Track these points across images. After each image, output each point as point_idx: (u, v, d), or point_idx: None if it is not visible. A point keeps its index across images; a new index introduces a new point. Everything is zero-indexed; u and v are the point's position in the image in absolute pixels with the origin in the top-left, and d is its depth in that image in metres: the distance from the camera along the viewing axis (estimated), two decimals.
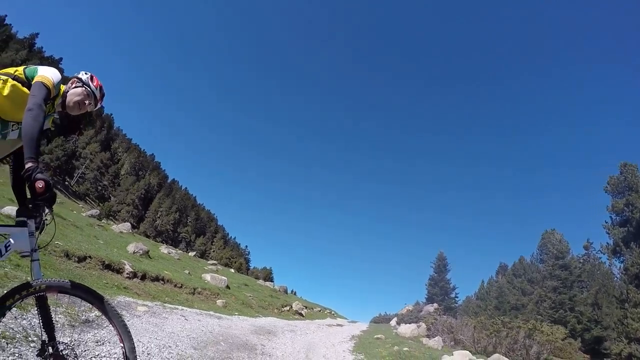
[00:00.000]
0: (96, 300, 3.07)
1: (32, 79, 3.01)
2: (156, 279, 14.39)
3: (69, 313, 6.09)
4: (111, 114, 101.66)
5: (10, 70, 3.09)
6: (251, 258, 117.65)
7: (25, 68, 3.10)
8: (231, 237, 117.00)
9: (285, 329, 15.14)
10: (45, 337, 2.82)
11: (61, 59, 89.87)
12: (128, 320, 7.03)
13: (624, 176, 32.58)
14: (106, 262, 12.69)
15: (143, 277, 13.71)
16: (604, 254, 35.05)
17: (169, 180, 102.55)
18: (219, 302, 16.41)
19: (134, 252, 18.39)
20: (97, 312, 6.80)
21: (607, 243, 33.21)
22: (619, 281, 31.66)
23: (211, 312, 13.01)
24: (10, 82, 2.95)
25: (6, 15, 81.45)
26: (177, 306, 11.14)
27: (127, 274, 13.04)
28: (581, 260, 43.13)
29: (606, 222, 33.52)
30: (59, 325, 5.39)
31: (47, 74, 3.07)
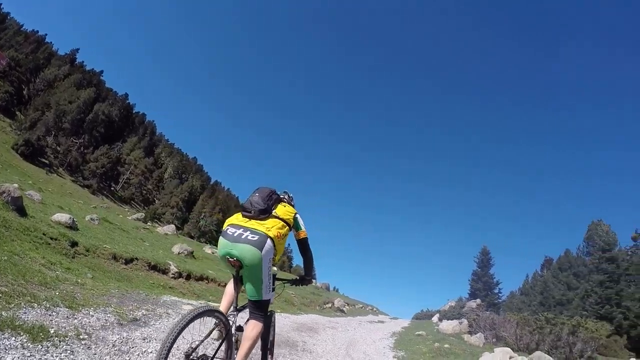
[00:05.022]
0: None
1: None
2: (200, 278, 14.79)
3: (117, 312, 6.38)
4: (153, 121, 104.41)
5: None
6: (294, 256, 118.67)
7: None
8: None
9: (327, 325, 15.32)
10: None
11: (102, 71, 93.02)
12: (173, 319, 7.33)
13: None
14: (152, 263, 13.15)
15: (188, 277, 14.14)
16: None
17: (211, 182, 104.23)
18: None
19: (178, 253, 18.88)
20: (143, 311, 7.15)
21: None
22: None
23: None
24: None
25: (46, 34, 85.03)
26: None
27: (173, 274, 13.47)
28: (629, 253, 41.36)
29: None
30: (108, 324, 5.71)
31: None
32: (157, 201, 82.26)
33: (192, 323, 3.13)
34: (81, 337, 4.76)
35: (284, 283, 4.59)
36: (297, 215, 4.25)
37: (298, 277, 4.64)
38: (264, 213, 3.82)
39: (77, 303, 6.07)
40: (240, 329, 3.80)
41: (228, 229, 3.73)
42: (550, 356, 14.83)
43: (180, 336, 3.00)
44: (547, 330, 19.67)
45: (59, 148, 66.67)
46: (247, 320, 3.79)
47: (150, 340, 5.63)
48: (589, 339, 19.73)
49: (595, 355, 20.12)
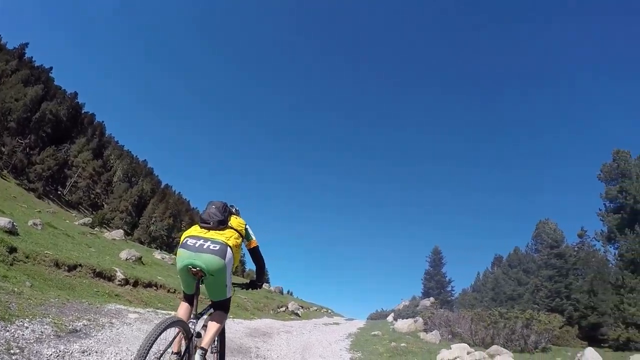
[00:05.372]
0: None
1: None
2: (149, 285, 14.28)
3: (55, 323, 5.97)
4: (102, 122, 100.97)
5: None
6: (246, 260, 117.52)
7: None
8: None
9: (281, 329, 15.05)
10: None
11: (51, 68, 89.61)
12: (117, 329, 6.94)
13: (617, 163, 32.59)
14: (97, 270, 12.58)
15: (135, 284, 13.60)
16: (598, 241, 34.93)
17: (162, 186, 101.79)
18: None
19: (126, 259, 18.24)
20: (85, 322, 6.72)
21: (602, 230, 33.21)
22: (614, 268, 31.63)
23: None
24: None
25: None
26: (170, 312, 10.97)
27: (119, 281, 12.92)
28: (576, 249, 42.97)
29: (600, 210, 33.58)
30: (43, 336, 5.31)
31: None
32: (105, 206, 79.72)
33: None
34: (12, 351, 4.43)
35: (234, 287, 4.56)
36: (247, 226, 4.52)
37: (249, 282, 4.85)
38: (222, 224, 4.04)
39: (11, 314, 5.68)
40: (199, 335, 3.90)
41: (187, 240, 3.86)
42: (506, 349, 15.12)
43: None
44: (501, 324, 20.02)
45: (3, 149, 63.72)
46: (211, 314, 4.19)
47: (90, 354, 5.26)
48: (543, 330, 20.23)
49: (549, 345, 20.72)
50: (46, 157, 66.29)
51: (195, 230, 4.04)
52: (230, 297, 4.24)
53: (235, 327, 12.39)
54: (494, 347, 14.62)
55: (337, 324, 27.58)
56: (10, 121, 66.09)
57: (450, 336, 21.07)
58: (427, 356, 12.81)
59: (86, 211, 70.50)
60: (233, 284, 4.40)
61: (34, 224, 17.74)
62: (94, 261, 13.57)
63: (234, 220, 4.29)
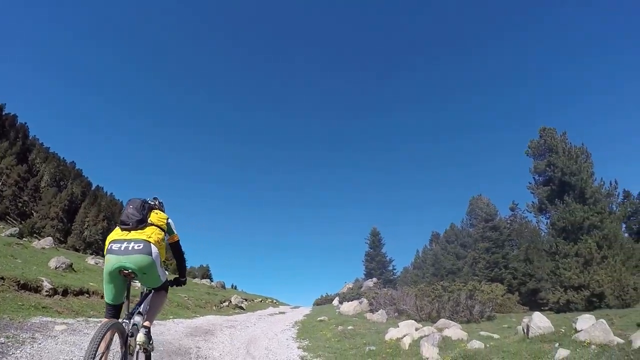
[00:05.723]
0: None
1: None
2: (80, 292, 13.49)
3: None
4: (25, 123, 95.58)
5: None
6: (187, 257, 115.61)
7: None
8: None
9: (224, 325, 14.71)
10: None
11: None
12: (40, 344, 6.44)
13: (544, 139, 34.32)
14: (22, 282, 11.73)
15: (65, 293, 12.80)
16: (530, 213, 36.68)
17: (93, 188, 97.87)
18: None
19: (56, 268, 17.25)
20: (2, 339, 6.20)
21: (533, 202, 34.95)
22: (547, 236, 33.39)
23: None
24: None
25: None
26: (102, 319, 10.40)
27: (47, 291, 12.13)
28: (509, 221, 45.23)
29: (530, 183, 35.44)
30: None
31: None
32: (34, 214, 76.08)
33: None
34: None
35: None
36: (170, 220, 4.52)
37: (173, 280, 4.89)
38: (141, 223, 4.06)
39: None
40: (132, 334, 3.90)
41: (112, 245, 3.87)
42: (454, 322, 15.40)
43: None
44: (445, 297, 20.48)
45: None
46: (153, 294, 4.39)
47: None
48: (487, 300, 20.89)
49: (494, 314, 21.41)
50: None
51: (116, 233, 4.02)
52: (166, 279, 4.32)
53: (174, 327, 11.95)
54: (442, 320, 14.84)
55: (282, 313, 27.46)
56: None
57: (396, 314, 21.35)
58: (375, 336, 12.80)
59: (14, 221, 66.77)
60: None
61: None
62: (18, 272, 12.68)
63: (154, 216, 4.29)
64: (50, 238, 32.83)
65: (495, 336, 11.83)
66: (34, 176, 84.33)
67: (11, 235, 32.87)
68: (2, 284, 11.15)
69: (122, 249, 3.80)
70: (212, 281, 50.51)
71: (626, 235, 35.21)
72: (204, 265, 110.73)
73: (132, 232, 3.97)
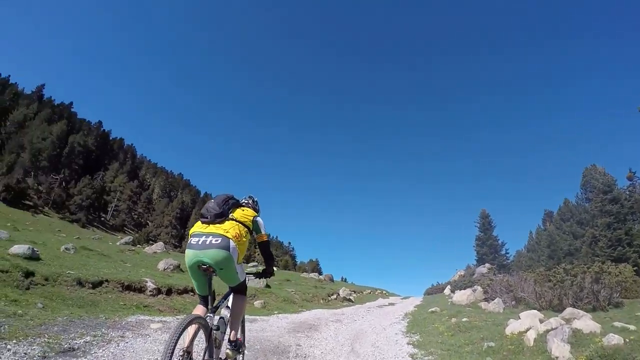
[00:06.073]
0: None
1: None
2: (184, 291, 13.49)
3: (48, 343, 5.32)
4: (132, 144, 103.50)
5: None
6: (297, 254, 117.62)
7: None
8: (273, 236, 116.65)
9: (330, 319, 14.05)
10: None
11: (71, 103, 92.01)
12: (127, 342, 6.10)
13: None
14: (126, 284, 11.84)
15: (169, 292, 12.85)
16: None
17: (201, 195, 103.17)
18: (257, 303, 15.48)
19: (164, 269, 17.66)
20: (88, 338, 5.96)
21: None
22: None
23: (246, 316, 12.00)
24: None
25: (9, 76, 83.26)
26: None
27: (150, 291, 12.18)
28: (628, 192, 40.46)
29: None
30: (26, 359, 4.60)
31: None
32: (149, 223, 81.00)
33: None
34: None
35: (247, 276, 4.61)
36: (258, 219, 4.49)
37: (261, 271, 4.97)
38: (220, 217, 4.01)
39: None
40: (217, 328, 3.90)
41: (191, 239, 3.87)
42: (582, 311, 13.58)
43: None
44: (568, 282, 18.45)
45: (40, 187, 65.63)
46: (232, 302, 4.33)
47: None
48: (615, 283, 18.56)
49: (621, 299, 18.97)
50: (83, 188, 67.88)
51: (197, 227, 4.04)
52: (245, 280, 4.36)
53: (277, 323, 11.45)
54: (569, 309, 12.99)
55: (392, 304, 26.52)
56: (42, 160, 68.19)
57: (513, 302, 19.69)
58: (493, 330, 11.41)
59: (131, 232, 71.59)
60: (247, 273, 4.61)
61: (66, 248, 17.42)
62: (124, 275, 12.87)
63: (239, 212, 4.31)
64: (161, 243, 34.33)
65: (632, 327, 10.11)
66: (145, 190, 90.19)
67: (125, 243, 34.72)
68: (106, 286, 11.27)
69: (200, 243, 3.81)
70: (320, 275, 50.44)
71: None
72: (314, 260, 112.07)
73: (210, 225, 3.96)
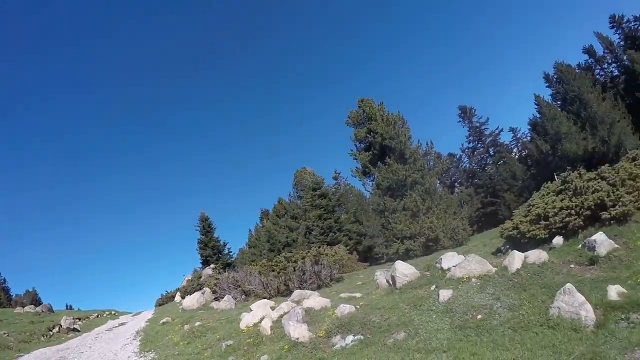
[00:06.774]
0: None
1: None
2: None
3: None
4: None
5: None
6: (11, 285, 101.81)
7: None
8: None
9: (52, 359, 12.40)
10: None
11: None
12: None
13: (362, 109, 37.61)
14: None
15: None
16: (355, 177, 39.52)
17: None
18: None
19: None
20: None
21: (356, 167, 37.92)
22: (373, 196, 36.38)
23: None
24: None
25: None
26: None
27: None
28: (334, 188, 48.49)
29: (351, 150, 38.33)
30: None
31: None
32: None
33: None
34: None
35: None
36: None
37: None
38: None
39: None
40: None
41: None
42: (310, 290, 14.81)
43: None
44: (290, 268, 20.20)
45: None
46: None
47: None
48: (333, 262, 21.18)
49: (340, 275, 21.82)
50: None
51: None
52: None
53: None
54: (297, 292, 13.87)
55: (123, 324, 25.11)
56: None
57: (244, 296, 20.53)
58: (229, 328, 11.63)
59: None
60: None
61: None
62: None
63: None
64: None
65: (357, 295, 11.50)
66: None
67: None
68: None
69: None
70: (36, 307, 44.39)
71: (440, 188, 38.65)
72: (31, 290, 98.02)
73: None
